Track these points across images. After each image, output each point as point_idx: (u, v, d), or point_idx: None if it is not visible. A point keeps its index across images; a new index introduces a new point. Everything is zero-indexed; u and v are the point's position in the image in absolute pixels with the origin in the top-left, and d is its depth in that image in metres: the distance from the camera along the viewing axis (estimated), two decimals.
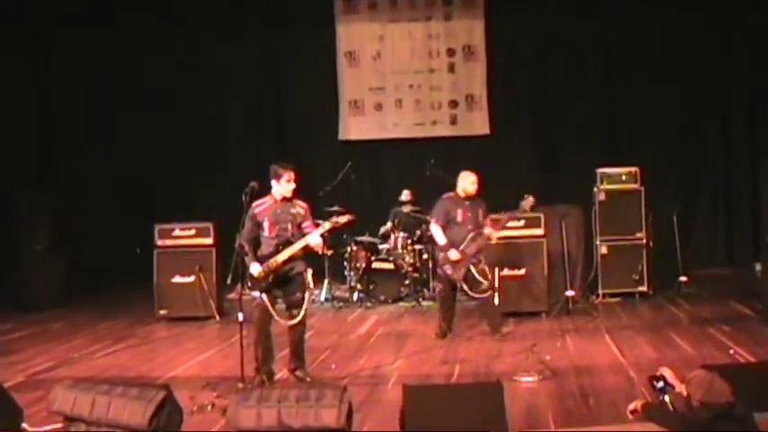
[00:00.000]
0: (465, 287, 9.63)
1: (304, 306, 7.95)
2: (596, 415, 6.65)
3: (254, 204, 8.01)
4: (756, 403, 5.16)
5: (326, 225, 8.01)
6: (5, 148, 14.15)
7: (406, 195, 13.13)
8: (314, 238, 7.84)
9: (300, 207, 8.03)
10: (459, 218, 9.69)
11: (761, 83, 13.87)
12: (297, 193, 8.11)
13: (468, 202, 9.77)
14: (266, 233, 7.96)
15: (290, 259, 7.88)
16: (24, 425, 6.46)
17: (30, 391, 7.76)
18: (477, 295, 9.64)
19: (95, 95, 14.77)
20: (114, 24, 14.57)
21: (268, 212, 7.96)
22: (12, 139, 14.24)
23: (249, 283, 7.94)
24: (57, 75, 14.79)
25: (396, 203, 13.22)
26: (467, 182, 9.82)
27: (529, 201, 9.80)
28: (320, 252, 8.47)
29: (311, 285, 8.13)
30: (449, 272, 9.60)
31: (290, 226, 7.92)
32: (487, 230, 9.70)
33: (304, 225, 7.96)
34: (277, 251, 7.86)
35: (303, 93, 14.98)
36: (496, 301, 9.71)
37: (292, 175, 7.97)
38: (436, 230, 9.75)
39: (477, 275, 9.54)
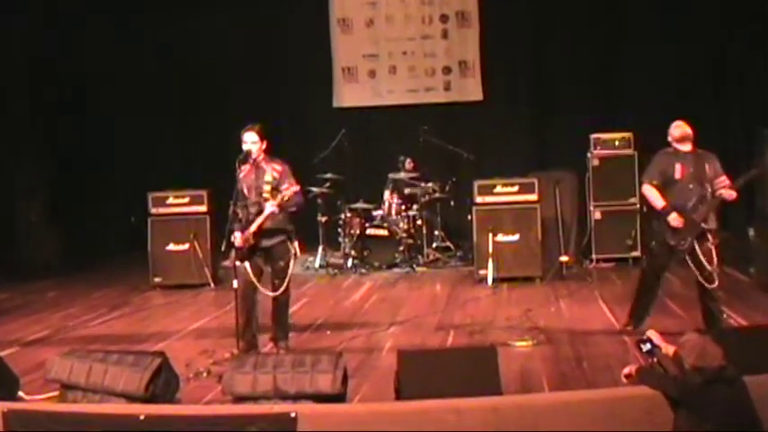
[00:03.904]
0: (691, 265, 7.74)
1: (288, 274, 7.77)
2: (590, 379, 6.69)
3: (239, 171, 7.83)
4: (747, 367, 5.20)
5: (275, 202, 7.56)
6: (2, 119, 14.08)
7: (406, 163, 13.08)
8: (270, 209, 7.55)
9: (275, 171, 7.72)
10: (678, 174, 7.80)
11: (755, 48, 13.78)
12: (270, 154, 7.85)
13: (690, 156, 7.88)
14: (247, 200, 7.77)
15: (265, 228, 7.63)
16: (21, 393, 6.48)
17: (26, 359, 7.77)
18: (702, 281, 7.71)
19: (93, 66, 14.64)
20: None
21: (247, 179, 7.78)
22: (8, 111, 14.15)
23: (233, 253, 7.68)
24: (55, 45, 14.65)
25: (390, 170, 13.20)
26: (673, 128, 8.04)
27: None
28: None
29: (298, 253, 7.92)
30: (672, 242, 7.72)
31: (266, 192, 7.64)
32: (720, 190, 7.75)
33: (282, 188, 7.62)
34: (252, 220, 7.65)
35: (296, 60, 14.89)
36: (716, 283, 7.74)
37: (244, 135, 7.74)
38: (650, 192, 7.86)
39: (701, 256, 7.65)
